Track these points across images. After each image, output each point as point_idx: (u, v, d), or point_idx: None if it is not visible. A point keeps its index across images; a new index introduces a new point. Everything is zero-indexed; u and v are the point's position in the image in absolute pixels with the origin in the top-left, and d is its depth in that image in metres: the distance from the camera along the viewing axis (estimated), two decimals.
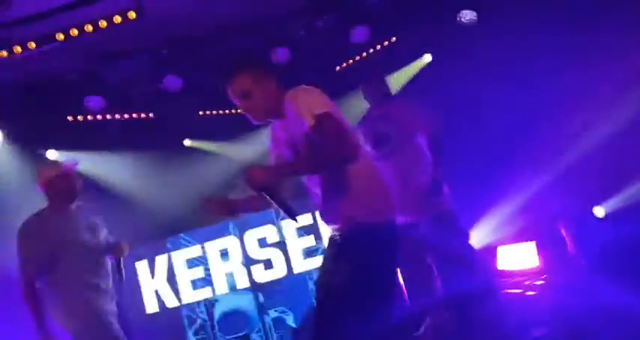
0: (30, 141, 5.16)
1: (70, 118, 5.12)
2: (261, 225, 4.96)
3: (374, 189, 2.15)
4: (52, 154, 5.40)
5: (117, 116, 5.29)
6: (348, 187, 2.08)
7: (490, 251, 5.07)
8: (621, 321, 3.27)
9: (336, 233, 2.16)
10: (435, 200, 3.63)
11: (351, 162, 2.00)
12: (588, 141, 4.78)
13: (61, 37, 3.96)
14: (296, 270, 4.93)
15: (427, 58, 5.61)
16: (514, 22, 4.77)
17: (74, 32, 3.94)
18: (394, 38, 5.48)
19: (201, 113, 5.67)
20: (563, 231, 4.78)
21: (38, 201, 3.28)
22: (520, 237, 5.00)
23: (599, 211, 4.77)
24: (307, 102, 2.05)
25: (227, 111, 5.71)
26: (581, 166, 4.80)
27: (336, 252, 2.12)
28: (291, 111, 2.12)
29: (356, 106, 5.49)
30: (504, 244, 5.08)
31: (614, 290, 3.59)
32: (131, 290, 4.85)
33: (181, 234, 4.97)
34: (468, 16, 5.23)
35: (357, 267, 1.98)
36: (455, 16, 5.24)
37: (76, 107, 5.07)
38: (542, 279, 4.59)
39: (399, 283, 3.90)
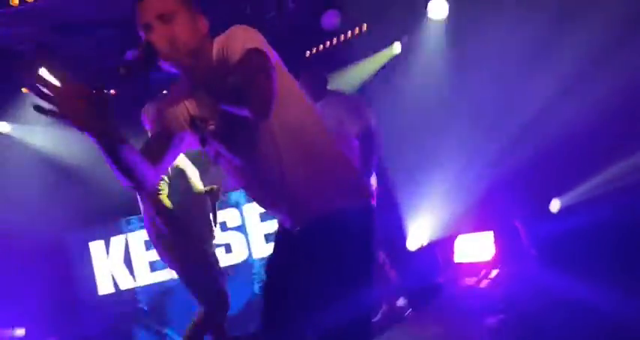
0: None
1: (24, 90, 4.85)
2: (223, 208, 4.85)
3: (349, 169, 1.81)
4: (3, 127, 5.12)
5: None
6: (323, 167, 1.72)
7: (449, 241, 5.13)
8: (569, 310, 3.36)
9: (302, 223, 1.76)
10: None
11: (262, 112, 1.52)
12: (548, 135, 4.86)
13: (15, 1, 3.73)
14: (255, 255, 4.85)
15: (397, 47, 5.57)
16: (484, 17, 4.76)
17: None
18: (365, 25, 5.41)
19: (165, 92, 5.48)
20: (518, 224, 4.86)
21: None
22: (478, 227, 5.07)
23: (554, 205, 4.87)
24: (244, 39, 1.60)
25: None
26: (540, 160, 4.88)
27: (313, 246, 1.73)
28: (227, 57, 1.61)
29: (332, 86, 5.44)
30: (462, 234, 5.15)
31: (563, 281, 3.69)
32: (83, 270, 4.68)
33: (137, 216, 4.80)
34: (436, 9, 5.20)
35: (348, 258, 1.70)
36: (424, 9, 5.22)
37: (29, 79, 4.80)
38: (496, 269, 4.67)
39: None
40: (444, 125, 5.06)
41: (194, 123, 1.72)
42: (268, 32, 4.91)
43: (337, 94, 3.91)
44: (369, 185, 1.89)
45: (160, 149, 1.70)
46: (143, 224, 4.72)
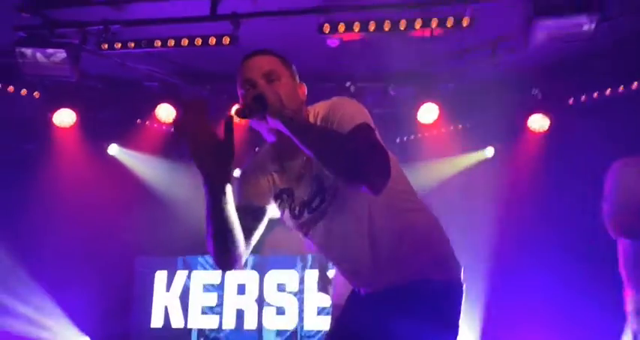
0: (98, 132, 5.17)
1: (139, 121, 5.11)
2: (283, 268, 4.68)
3: (439, 239, 1.62)
4: (113, 149, 5.37)
5: None
6: (414, 235, 1.54)
7: None
8: None
9: (381, 289, 1.55)
10: None
11: (378, 188, 1.41)
12: None
13: (158, 44, 3.99)
14: (307, 326, 4.55)
15: (489, 151, 5.38)
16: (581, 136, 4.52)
17: (171, 43, 3.96)
18: (460, 126, 5.32)
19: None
20: None
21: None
22: None
23: None
24: (352, 111, 1.51)
25: None
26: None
27: (389, 313, 1.48)
28: (332, 122, 1.52)
29: (410, 179, 5.30)
30: None
31: None
32: (143, 298, 4.61)
33: (205, 256, 4.73)
34: (538, 121, 5.05)
35: (425, 332, 1.45)
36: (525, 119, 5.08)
37: (147, 113, 5.08)
38: None
39: None
40: (525, 237, 4.71)
41: (281, 197, 1.63)
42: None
43: None
44: (457, 260, 1.63)
45: (249, 224, 1.59)
46: (207, 265, 4.68)
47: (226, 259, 1.51)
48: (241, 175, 1.69)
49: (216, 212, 1.43)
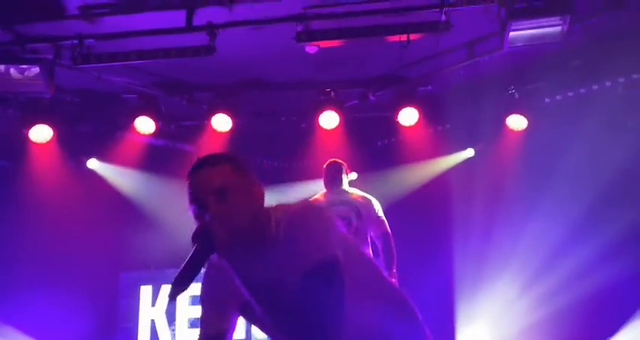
0: (76, 146, 5.08)
1: (117, 134, 5.04)
2: None
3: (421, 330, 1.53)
4: (92, 163, 5.28)
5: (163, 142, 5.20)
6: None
7: None
8: None
9: None
10: None
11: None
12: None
13: (134, 57, 3.93)
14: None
15: (469, 152, 5.41)
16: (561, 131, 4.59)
17: (147, 56, 3.91)
18: (440, 127, 5.34)
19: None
20: None
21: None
22: None
23: None
24: (319, 233, 1.37)
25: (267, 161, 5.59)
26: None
27: None
28: (295, 239, 1.36)
29: (392, 182, 5.31)
30: None
31: None
32: (128, 313, 4.53)
33: None
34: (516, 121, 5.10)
35: None
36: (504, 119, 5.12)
37: (126, 125, 5.01)
38: None
39: None
40: (511, 230, 4.74)
41: (245, 309, 1.49)
42: (347, 117, 4.97)
43: (356, 192, 3.80)
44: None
45: (220, 333, 1.51)
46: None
47: None
48: (206, 282, 1.61)
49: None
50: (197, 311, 4.48)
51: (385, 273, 3.58)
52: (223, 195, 1.36)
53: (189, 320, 4.50)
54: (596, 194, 4.41)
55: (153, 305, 4.56)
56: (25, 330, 4.53)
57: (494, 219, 4.81)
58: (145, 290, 4.57)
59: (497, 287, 4.66)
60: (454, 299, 4.86)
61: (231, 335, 1.54)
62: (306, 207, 1.48)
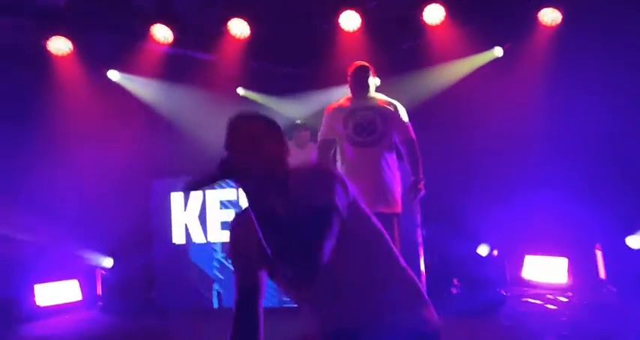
0: (96, 58, 5.02)
1: (137, 43, 4.93)
2: None
3: (410, 291, 1.64)
4: (113, 75, 5.25)
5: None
6: (381, 286, 1.58)
7: (518, 258, 4.75)
8: None
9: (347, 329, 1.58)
10: (395, 199, 3.43)
11: (302, 284, 1.53)
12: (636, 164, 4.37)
13: None
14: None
15: (498, 51, 5.16)
16: (599, 27, 4.29)
17: None
18: (467, 26, 5.05)
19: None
20: (598, 254, 4.40)
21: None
22: (551, 249, 4.66)
23: (634, 241, 4.35)
24: (319, 190, 1.51)
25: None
26: (626, 189, 4.40)
27: None
28: (305, 191, 1.52)
29: (416, 85, 5.16)
30: (533, 254, 4.75)
31: None
32: (162, 219, 4.72)
33: None
34: (549, 15, 4.79)
35: None
36: (536, 13, 4.82)
37: (143, 35, 4.88)
38: (566, 297, 4.27)
39: None
40: (535, 136, 4.65)
41: (267, 262, 1.60)
42: (369, 18, 4.74)
43: (381, 97, 3.69)
44: (432, 313, 1.65)
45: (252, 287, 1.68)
46: (222, 184, 4.74)
47: None
48: (234, 254, 1.75)
49: None
50: (227, 215, 4.66)
51: (411, 179, 3.59)
52: (253, 141, 1.56)
53: (220, 223, 4.69)
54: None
55: (185, 210, 4.73)
56: (64, 236, 4.78)
57: (522, 121, 4.70)
58: (176, 197, 4.73)
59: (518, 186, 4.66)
60: (476, 202, 4.91)
61: (264, 291, 1.69)
62: (319, 167, 1.66)
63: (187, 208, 4.73)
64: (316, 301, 1.62)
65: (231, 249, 1.72)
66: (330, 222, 1.49)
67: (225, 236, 4.68)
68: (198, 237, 4.72)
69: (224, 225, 4.68)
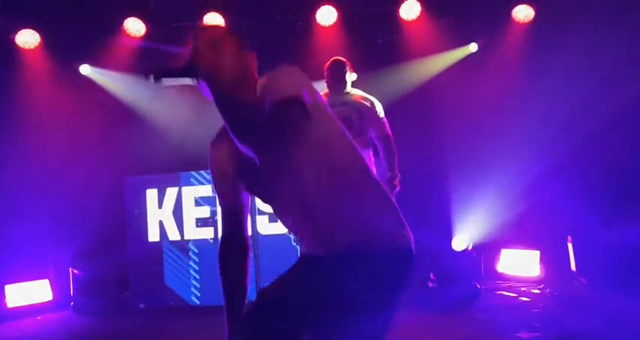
0: (66, 52, 4.90)
1: (109, 37, 4.83)
2: None
3: (384, 204, 1.57)
4: (84, 69, 5.13)
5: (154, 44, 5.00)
6: (355, 198, 1.51)
7: (493, 251, 4.83)
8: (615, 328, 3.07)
9: (326, 251, 1.54)
10: None
11: (294, 111, 1.44)
12: (607, 157, 4.48)
13: None
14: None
15: (473, 46, 5.21)
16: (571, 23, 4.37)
17: None
18: (443, 21, 5.09)
19: None
20: (569, 246, 4.51)
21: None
22: (525, 242, 4.75)
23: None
24: (285, 84, 1.49)
25: None
26: (598, 181, 4.51)
27: (331, 281, 1.48)
28: (264, 98, 1.51)
29: (392, 81, 5.18)
30: (509, 247, 4.83)
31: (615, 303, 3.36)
32: (136, 216, 4.65)
33: (193, 172, 4.72)
34: (522, 11, 4.87)
35: (365, 303, 1.44)
36: (510, 10, 4.89)
37: (116, 28, 4.78)
38: (539, 289, 4.37)
39: None
40: (509, 128, 4.72)
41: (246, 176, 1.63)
42: (346, 13, 4.74)
43: (357, 93, 3.71)
44: (407, 228, 1.61)
45: (240, 222, 1.70)
46: (197, 181, 4.70)
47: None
48: (212, 170, 1.73)
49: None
50: (203, 212, 4.62)
51: (387, 174, 3.60)
52: (213, 46, 1.56)
53: (196, 219, 4.64)
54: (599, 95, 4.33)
55: (160, 207, 4.67)
56: (37, 236, 4.67)
57: (495, 115, 4.76)
58: (151, 193, 4.66)
59: (492, 180, 4.74)
60: (451, 197, 4.97)
61: (247, 212, 1.71)
62: (283, 67, 1.56)
63: (162, 205, 4.67)
64: (289, 217, 1.60)
65: (213, 171, 1.72)
66: (295, 109, 1.46)
67: (200, 233, 4.65)
68: (173, 235, 4.66)
69: (199, 222, 4.63)
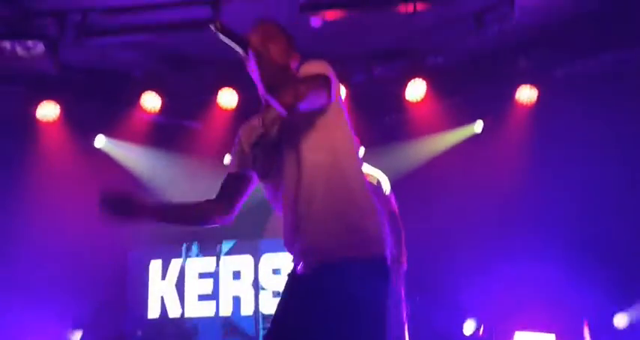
0: (83, 124, 5.08)
1: (125, 111, 5.03)
2: (278, 251, 4.66)
3: (370, 217, 1.63)
4: (99, 140, 5.29)
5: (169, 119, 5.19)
6: (343, 206, 1.59)
7: (506, 335, 4.64)
8: None
9: (307, 267, 1.62)
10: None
11: (284, 98, 1.52)
12: (621, 239, 4.42)
13: (137, 31, 3.90)
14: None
15: (478, 126, 5.34)
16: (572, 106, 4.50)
17: (152, 29, 3.87)
18: (448, 100, 5.26)
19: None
20: (585, 330, 4.33)
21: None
22: (539, 325, 4.57)
23: (620, 320, 4.30)
24: (315, 68, 1.67)
25: None
26: (613, 265, 4.41)
27: (312, 296, 1.55)
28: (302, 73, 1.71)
29: (400, 157, 5.27)
30: (523, 330, 4.64)
31: None
32: (137, 291, 4.58)
33: (200, 243, 4.71)
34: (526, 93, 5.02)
35: (344, 320, 1.50)
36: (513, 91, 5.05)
37: (132, 102, 5.00)
38: None
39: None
40: (516, 210, 4.71)
41: (255, 148, 1.78)
42: (353, 93, 4.91)
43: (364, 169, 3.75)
44: (387, 243, 1.66)
45: (233, 190, 1.85)
46: (201, 252, 4.67)
47: (208, 222, 1.85)
48: (234, 145, 1.89)
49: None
50: (206, 286, 4.55)
51: (393, 251, 3.56)
52: (268, 40, 1.75)
53: (198, 295, 4.56)
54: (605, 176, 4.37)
55: (163, 279, 4.61)
56: (34, 307, 4.59)
57: (502, 196, 4.77)
58: (155, 264, 4.62)
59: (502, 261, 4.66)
60: (460, 278, 4.87)
61: (245, 189, 1.85)
62: (316, 59, 1.74)
63: (166, 277, 4.61)
64: (289, 210, 1.68)
65: (234, 145, 1.88)
66: (328, 81, 1.62)
67: (202, 309, 4.54)
68: (174, 311, 4.56)
69: (201, 298, 4.55)
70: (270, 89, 1.54)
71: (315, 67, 1.68)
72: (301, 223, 1.62)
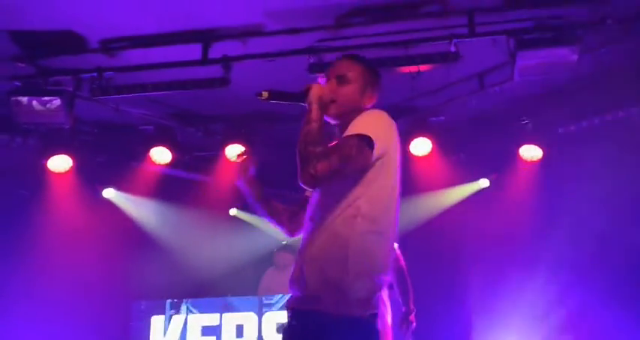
0: (93, 176, 5.18)
1: (134, 165, 5.14)
2: (282, 308, 4.60)
3: (366, 278, 1.61)
4: (108, 192, 5.37)
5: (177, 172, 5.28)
6: (339, 260, 1.59)
7: None
8: None
9: (292, 311, 1.66)
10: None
11: (306, 181, 1.57)
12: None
13: (151, 89, 4.04)
14: None
15: (483, 182, 5.39)
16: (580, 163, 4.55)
17: (163, 87, 4.02)
18: (453, 157, 5.34)
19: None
20: None
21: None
22: None
23: None
24: (364, 123, 1.65)
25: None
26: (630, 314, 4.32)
27: None
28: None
29: (405, 213, 5.28)
30: None
31: None
32: None
33: (202, 299, 4.66)
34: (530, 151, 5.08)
35: None
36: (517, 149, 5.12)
37: (142, 156, 5.11)
38: None
39: None
40: (521, 264, 4.68)
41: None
42: None
43: None
44: (379, 302, 1.67)
45: (301, 208, 1.93)
46: (204, 308, 4.60)
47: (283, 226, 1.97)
48: None
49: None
50: None
51: (402, 309, 3.49)
52: (342, 81, 1.78)
53: None
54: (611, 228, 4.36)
55: (164, 335, 4.53)
56: None
57: (508, 251, 4.75)
58: (157, 320, 4.56)
59: (512, 320, 4.57)
60: (471, 330, 4.76)
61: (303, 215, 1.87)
62: (375, 110, 1.75)
63: (167, 333, 4.54)
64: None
65: None
66: (361, 144, 1.59)
67: None
68: None
69: None
70: (299, 158, 1.60)
71: (362, 124, 1.64)
72: (298, 258, 1.71)
